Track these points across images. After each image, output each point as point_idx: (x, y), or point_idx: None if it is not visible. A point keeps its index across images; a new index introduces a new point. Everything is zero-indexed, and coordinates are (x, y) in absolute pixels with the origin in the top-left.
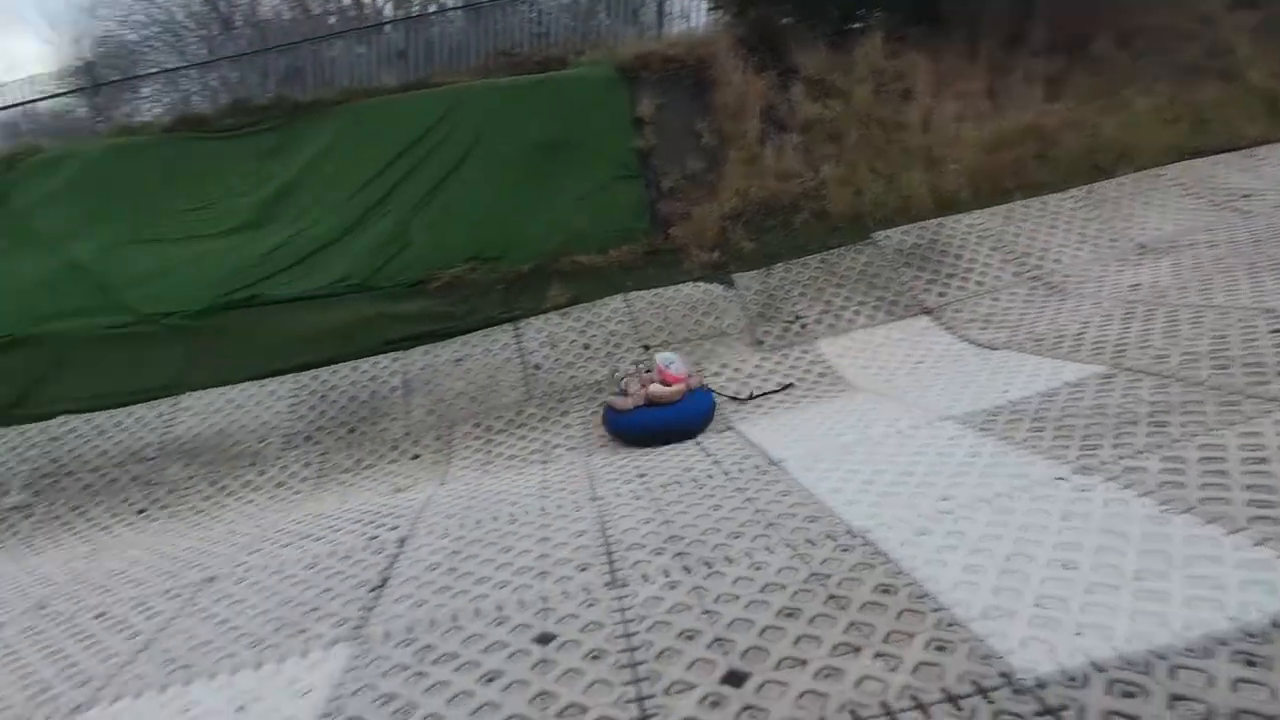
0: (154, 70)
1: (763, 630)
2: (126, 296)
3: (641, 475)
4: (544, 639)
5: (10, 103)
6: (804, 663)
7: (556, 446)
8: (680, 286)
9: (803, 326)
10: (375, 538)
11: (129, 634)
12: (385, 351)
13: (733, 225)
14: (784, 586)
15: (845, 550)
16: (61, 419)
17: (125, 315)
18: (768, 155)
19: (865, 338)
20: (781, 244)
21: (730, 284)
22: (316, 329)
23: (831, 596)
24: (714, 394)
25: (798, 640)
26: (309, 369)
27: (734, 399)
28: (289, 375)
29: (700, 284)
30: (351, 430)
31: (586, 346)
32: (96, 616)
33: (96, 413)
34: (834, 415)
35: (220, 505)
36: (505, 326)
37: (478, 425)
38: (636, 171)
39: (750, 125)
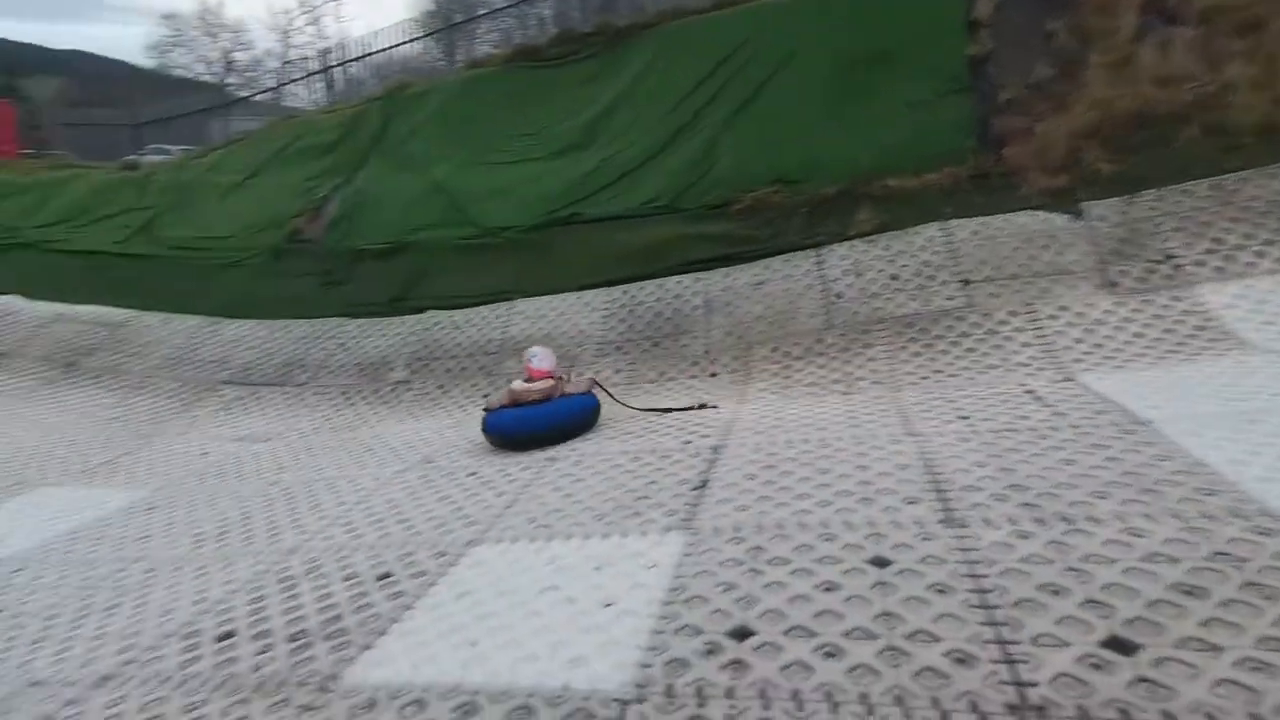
0: (487, 12)
1: (1152, 603)
2: (473, 213)
3: (964, 417)
4: (879, 562)
5: (384, 46)
6: (1218, 649)
7: (860, 379)
8: (1013, 215)
9: (1176, 268)
10: (689, 443)
11: (497, 492)
12: (687, 271)
13: (1088, 143)
14: (1176, 560)
15: (1264, 534)
16: (429, 313)
17: (472, 229)
18: (1144, 56)
19: (1271, 286)
20: (1154, 166)
21: (1078, 214)
22: (627, 247)
23: (1250, 583)
24: (595, 399)
25: (1206, 622)
26: (619, 284)
27: (630, 407)
28: (602, 289)
29: (1039, 213)
30: (655, 344)
31: (895, 277)
32: (469, 475)
33: (453, 310)
34: (1220, 376)
35: None
36: (808, 252)
37: (775, 350)
38: (966, 83)
39: (1124, 20)
